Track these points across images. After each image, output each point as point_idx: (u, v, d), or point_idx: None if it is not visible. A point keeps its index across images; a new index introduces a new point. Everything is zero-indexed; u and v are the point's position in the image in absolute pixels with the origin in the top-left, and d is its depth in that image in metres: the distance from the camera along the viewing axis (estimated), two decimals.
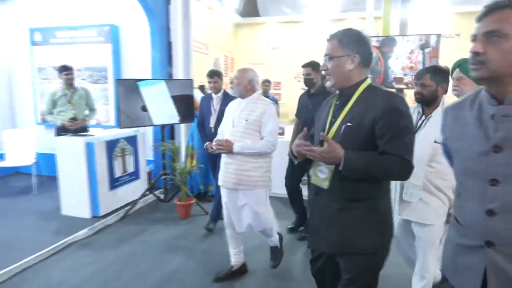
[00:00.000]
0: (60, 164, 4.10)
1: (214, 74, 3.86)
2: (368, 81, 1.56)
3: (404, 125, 1.44)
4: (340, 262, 1.61)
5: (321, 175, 1.55)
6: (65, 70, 4.25)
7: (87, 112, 4.51)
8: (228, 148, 2.59)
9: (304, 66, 3.59)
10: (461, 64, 2.55)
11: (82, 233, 3.65)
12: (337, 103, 1.59)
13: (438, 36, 4.46)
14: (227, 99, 3.66)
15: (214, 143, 2.69)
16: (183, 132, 5.32)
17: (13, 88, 6.02)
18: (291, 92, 7.25)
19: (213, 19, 6.91)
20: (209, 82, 3.88)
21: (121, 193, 4.40)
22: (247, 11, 7.76)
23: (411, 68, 4.72)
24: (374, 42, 4.75)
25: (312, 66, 3.55)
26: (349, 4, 7.45)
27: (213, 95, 3.91)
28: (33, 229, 3.84)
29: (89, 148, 4.00)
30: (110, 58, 5.36)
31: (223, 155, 2.74)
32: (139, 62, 5.34)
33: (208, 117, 3.87)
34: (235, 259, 2.92)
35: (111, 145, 4.24)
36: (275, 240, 3.01)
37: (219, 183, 2.79)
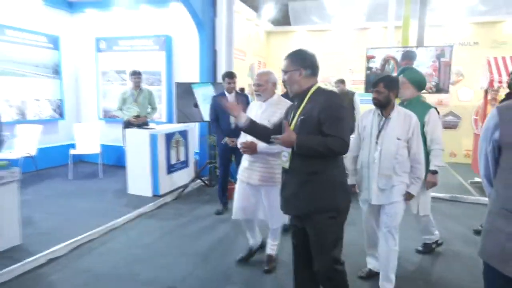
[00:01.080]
0: (129, 151, 4.99)
1: (234, 76, 4.26)
2: (316, 85, 2.05)
3: (340, 114, 1.93)
4: (306, 225, 2.04)
5: (284, 158, 2.05)
6: (134, 74, 5.16)
7: (149, 110, 5.40)
8: (252, 149, 2.74)
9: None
10: (404, 71, 3.12)
11: (147, 207, 4.51)
12: (295, 103, 2.12)
13: (451, 47, 5.07)
14: (240, 97, 4.18)
15: (239, 145, 2.83)
16: None
17: (80, 88, 7.03)
18: None
19: (250, 29, 7.73)
20: (229, 83, 4.22)
21: (175, 177, 5.26)
22: (279, 20, 8.53)
23: (431, 75, 5.34)
24: (393, 53, 5.42)
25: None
26: (372, 14, 8.09)
27: (227, 94, 4.25)
28: (108, 203, 4.74)
29: (153, 139, 4.87)
30: (163, 64, 6.25)
31: (247, 156, 2.90)
32: (188, 67, 6.21)
33: (224, 115, 4.00)
34: (252, 242, 3.23)
35: (169, 137, 5.10)
36: (275, 247, 3.12)
37: (242, 179, 2.96)
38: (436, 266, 3.16)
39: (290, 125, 2.03)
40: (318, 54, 2.13)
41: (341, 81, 6.15)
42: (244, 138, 2.85)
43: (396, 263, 2.62)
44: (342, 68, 8.15)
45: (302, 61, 2.03)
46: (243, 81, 7.03)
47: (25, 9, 5.99)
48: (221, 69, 6.15)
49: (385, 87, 2.52)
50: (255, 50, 8.09)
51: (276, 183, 2.75)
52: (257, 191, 2.93)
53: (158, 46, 6.25)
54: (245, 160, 2.94)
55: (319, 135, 1.91)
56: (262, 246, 3.26)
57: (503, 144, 1.36)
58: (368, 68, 5.67)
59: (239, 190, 3.01)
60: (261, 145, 2.71)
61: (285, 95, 3.91)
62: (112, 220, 3.98)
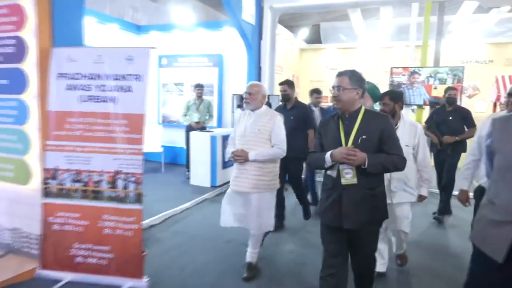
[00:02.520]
0: (192, 150, 6.13)
1: (321, 92, 5.35)
2: (363, 107, 2.18)
3: (396, 135, 2.16)
4: (362, 233, 2.15)
5: (348, 175, 2.08)
6: (198, 86, 6.32)
7: (207, 117, 6.54)
8: (244, 157, 2.86)
9: (281, 83, 4.21)
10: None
11: (209, 194, 5.61)
12: (346, 122, 2.15)
13: (463, 68, 5.99)
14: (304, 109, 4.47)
15: (230, 154, 2.97)
16: None
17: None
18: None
19: (287, 47, 8.83)
20: (317, 98, 5.28)
21: (228, 172, 6.35)
22: (311, 39, 9.60)
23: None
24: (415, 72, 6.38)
25: (288, 84, 4.21)
26: (396, 34, 9.05)
27: (314, 108, 5.12)
28: (177, 191, 5.86)
29: (213, 140, 5.99)
30: (216, 78, 7.41)
31: (238, 163, 2.97)
32: (236, 81, 7.33)
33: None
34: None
35: (224, 139, 6.22)
36: (256, 254, 3.12)
37: (233, 188, 3.01)
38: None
39: (341, 142, 2.13)
40: (345, 68, 2.44)
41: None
42: (234, 147, 3.01)
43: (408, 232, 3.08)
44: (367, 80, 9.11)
45: (361, 83, 2.14)
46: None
47: (104, 33, 7.28)
48: (265, 83, 7.24)
49: (391, 99, 2.82)
50: (290, 65, 9.17)
51: (266, 190, 2.93)
52: (247, 198, 2.97)
53: (211, 63, 7.42)
54: (236, 169, 3.02)
55: (376, 152, 2.09)
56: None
57: (494, 149, 1.65)
58: (392, 83, 6.64)
59: (229, 199, 3.09)
60: (252, 153, 2.86)
61: (285, 109, 4.14)
62: (184, 203, 5.08)
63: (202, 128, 6.39)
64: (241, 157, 2.87)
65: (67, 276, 2.89)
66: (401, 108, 2.87)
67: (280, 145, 2.91)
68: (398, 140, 2.13)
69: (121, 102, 2.89)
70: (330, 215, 2.16)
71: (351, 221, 2.09)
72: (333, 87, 2.14)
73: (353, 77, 2.12)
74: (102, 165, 2.89)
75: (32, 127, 2.96)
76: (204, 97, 6.66)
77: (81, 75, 2.93)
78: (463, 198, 2.85)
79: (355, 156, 2.00)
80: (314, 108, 5.26)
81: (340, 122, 2.16)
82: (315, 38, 9.74)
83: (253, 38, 6.99)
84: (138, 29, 7.98)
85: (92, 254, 2.91)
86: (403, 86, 6.52)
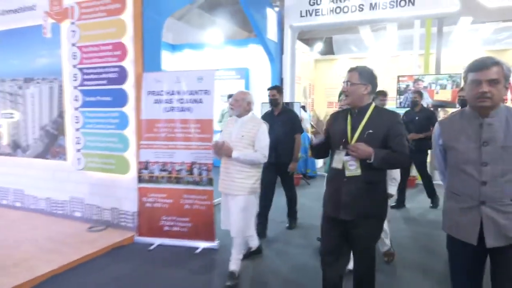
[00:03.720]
0: None
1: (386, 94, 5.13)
2: (374, 104, 2.18)
3: (403, 132, 2.13)
4: (356, 230, 2.13)
5: (352, 167, 2.11)
6: (230, 97, 7.36)
7: None
8: (227, 151, 2.93)
9: (270, 88, 4.28)
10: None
11: None
12: (354, 117, 2.16)
13: (460, 75, 6.90)
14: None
15: (213, 143, 3.11)
16: None
17: None
18: None
19: (303, 59, 9.83)
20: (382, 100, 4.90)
21: None
22: (325, 50, 10.60)
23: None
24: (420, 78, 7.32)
25: (277, 89, 4.28)
26: (402, 45, 9.99)
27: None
28: None
29: None
30: (242, 89, 8.44)
31: (222, 165, 3.08)
32: (261, 92, 8.34)
33: None
34: (252, 242, 3.49)
35: None
36: (239, 261, 3.11)
37: (221, 190, 3.11)
38: None
39: (347, 136, 2.15)
40: None
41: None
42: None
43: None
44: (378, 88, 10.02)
45: (371, 78, 2.14)
46: (299, 100, 9.09)
47: None
48: (287, 92, 8.25)
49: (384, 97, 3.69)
50: (306, 75, 10.16)
51: (249, 193, 3.00)
52: (231, 199, 3.07)
53: (239, 76, 8.47)
54: (221, 171, 3.10)
55: (382, 148, 2.09)
56: (259, 251, 3.59)
57: (446, 147, 1.84)
58: (399, 89, 7.58)
59: (222, 202, 3.22)
60: (236, 152, 2.92)
61: (272, 115, 4.17)
62: None
63: None
64: (224, 150, 2.93)
65: (157, 241, 3.90)
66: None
67: (262, 151, 2.99)
68: (405, 138, 2.13)
69: (195, 111, 3.92)
70: (330, 205, 2.23)
71: (349, 212, 2.11)
72: (343, 82, 2.19)
73: (363, 73, 2.14)
74: (182, 158, 3.91)
75: (130, 131, 4.02)
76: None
77: (164, 92, 3.97)
78: None
79: (358, 150, 2.04)
80: None
81: (349, 117, 2.19)
82: (328, 50, 10.73)
83: (276, 53, 8.03)
84: (173, 47, 9.10)
85: (175, 224, 3.91)
86: (408, 91, 7.45)
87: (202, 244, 3.82)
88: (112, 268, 3.35)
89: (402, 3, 7.09)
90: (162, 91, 3.97)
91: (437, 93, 7.18)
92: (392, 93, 9.12)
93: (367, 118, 2.12)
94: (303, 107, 8.06)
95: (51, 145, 4.55)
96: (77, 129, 4.30)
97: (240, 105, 3.09)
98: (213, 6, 8.72)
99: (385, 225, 3.09)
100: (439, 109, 7.30)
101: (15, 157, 4.86)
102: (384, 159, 2.05)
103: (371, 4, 7.29)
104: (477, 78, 1.66)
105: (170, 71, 5.21)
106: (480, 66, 1.67)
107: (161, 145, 3.95)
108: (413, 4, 7.00)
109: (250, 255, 3.51)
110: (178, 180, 3.91)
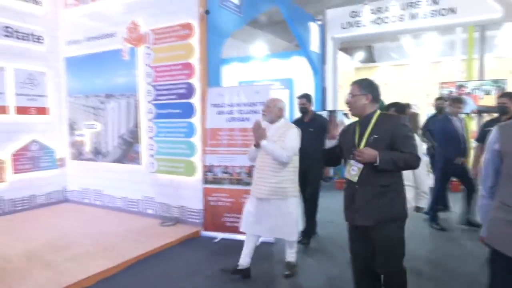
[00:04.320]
0: None
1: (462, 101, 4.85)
2: (379, 111, 2.26)
3: (410, 134, 2.17)
4: (377, 233, 2.16)
5: (352, 172, 2.20)
6: None
7: None
8: (263, 135, 3.04)
9: (300, 97, 4.31)
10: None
11: None
12: (361, 125, 2.26)
13: (506, 80, 6.97)
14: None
15: (253, 124, 3.11)
16: None
17: None
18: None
19: (344, 68, 10.19)
20: (459, 107, 4.66)
21: None
22: (365, 58, 10.89)
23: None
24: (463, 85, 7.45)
25: (307, 97, 4.29)
26: (444, 50, 10.07)
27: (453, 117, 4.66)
28: None
29: None
30: (287, 98, 8.94)
31: (257, 172, 3.19)
32: None
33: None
34: (242, 261, 3.28)
35: None
36: (294, 254, 3.27)
37: (252, 193, 3.21)
38: None
39: (355, 143, 2.24)
40: (397, 83, 3.51)
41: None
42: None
43: None
44: (419, 94, 10.16)
45: (370, 88, 2.25)
46: (341, 108, 9.43)
47: None
48: (329, 101, 8.65)
49: (396, 111, 3.22)
50: (347, 83, 10.48)
51: (285, 196, 3.06)
52: (267, 205, 3.12)
53: (283, 86, 8.98)
54: (255, 177, 3.22)
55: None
56: (247, 275, 3.28)
57: (503, 153, 1.69)
58: (441, 95, 7.74)
59: (248, 204, 3.27)
60: (264, 141, 3.03)
61: (303, 121, 4.21)
62: None
63: None
64: (259, 131, 3.04)
65: (220, 235, 4.45)
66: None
67: (287, 151, 3.03)
68: (412, 139, 2.17)
69: (252, 120, 4.44)
70: (347, 213, 2.31)
71: (365, 218, 2.17)
72: (347, 95, 2.33)
73: (362, 84, 2.27)
74: (241, 162, 4.44)
75: (196, 139, 4.64)
76: None
77: (226, 104, 4.55)
78: None
79: (364, 154, 2.10)
80: (452, 118, 4.64)
81: (357, 127, 2.29)
82: (369, 58, 11.02)
83: (318, 64, 8.47)
84: (222, 61, 9.78)
85: (236, 220, 4.43)
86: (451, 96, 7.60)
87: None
88: (186, 255, 3.94)
89: (443, 11, 7.29)
90: (224, 103, 4.56)
91: (481, 98, 7.27)
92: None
93: (373, 125, 2.21)
94: (346, 115, 8.40)
95: (128, 151, 5.29)
96: (151, 137, 5.00)
97: (271, 111, 3.20)
98: (258, 22, 9.34)
99: None
100: (484, 114, 7.37)
101: (96, 162, 5.67)
102: (392, 160, 2.09)
103: (411, 14, 7.55)
104: None
105: (231, 86, 5.86)
106: None
107: (224, 150, 4.52)
108: (454, 12, 7.19)
109: (237, 273, 3.29)
110: (238, 182, 4.45)
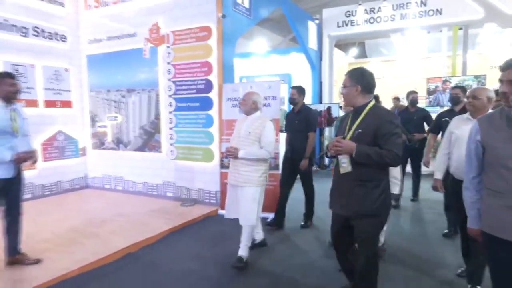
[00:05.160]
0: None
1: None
2: (372, 103, 2.23)
3: (394, 130, 2.13)
4: (355, 224, 2.27)
5: (344, 164, 2.22)
6: None
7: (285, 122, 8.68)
8: (235, 153, 3.21)
9: (292, 88, 4.56)
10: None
11: None
12: (354, 117, 2.26)
13: (485, 76, 7.69)
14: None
15: (225, 149, 3.32)
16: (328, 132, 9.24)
17: None
18: (389, 108, 10.77)
19: (339, 63, 10.83)
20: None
21: None
22: (358, 54, 11.55)
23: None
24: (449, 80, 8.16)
25: (298, 89, 4.48)
26: (431, 47, 10.78)
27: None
28: None
29: None
30: (286, 92, 9.54)
31: (231, 161, 3.37)
32: None
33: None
34: (256, 235, 3.74)
35: None
36: (246, 248, 3.38)
37: (229, 181, 3.42)
38: None
39: (345, 135, 2.24)
40: (388, 78, 3.85)
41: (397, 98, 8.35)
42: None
43: None
44: (407, 88, 10.83)
45: (360, 79, 2.22)
46: (337, 101, 10.09)
47: None
48: (325, 93, 9.29)
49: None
50: (341, 78, 11.13)
51: (254, 184, 3.24)
52: (237, 191, 3.35)
53: (282, 81, 9.57)
54: (230, 165, 3.42)
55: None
56: (263, 244, 3.83)
57: (484, 145, 1.78)
58: (428, 89, 8.44)
59: (228, 192, 3.52)
60: (241, 152, 3.22)
61: (294, 112, 4.52)
62: None
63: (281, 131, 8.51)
64: (232, 153, 3.24)
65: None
66: None
67: (266, 147, 3.26)
68: (397, 136, 2.15)
69: (264, 112, 5.05)
70: (331, 201, 2.40)
71: (344, 208, 2.27)
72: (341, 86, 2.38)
73: (352, 75, 2.26)
74: None
75: (214, 129, 5.24)
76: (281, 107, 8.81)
77: (240, 98, 5.13)
78: (438, 185, 3.11)
79: (341, 145, 2.15)
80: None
81: (349, 118, 2.31)
82: (361, 53, 11.68)
83: (316, 60, 9.10)
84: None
85: None
86: (437, 91, 8.31)
87: (270, 215, 4.96)
88: (207, 229, 4.55)
89: (430, 12, 7.99)
90: (238, 97, 5.14)
91: None
92: (422, 93, 9.94)
93: (361, 118, 2.21)
94: (341, 107, 9.04)
95: (149, 140, 5.86)
96: (171, 128, 5.58)
97: (246, 103, 3.39)
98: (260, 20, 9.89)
99: None
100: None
101: (117, 151, 6.22)
102: (366, 154, 2.11)
103: (401, 14, 8.22)
104: (500, 78, 1.71)
105: (245, 82, 6.46)
106: (504, 66, 1.70)
107: None
108: (440, 13, 7.89)
109: (255, 247, 3.72)
110: None
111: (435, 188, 3.14)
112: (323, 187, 4.83)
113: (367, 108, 2.22)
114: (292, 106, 4.70)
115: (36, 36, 5.77)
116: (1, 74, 3.16)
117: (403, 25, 8.30)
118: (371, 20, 8.53)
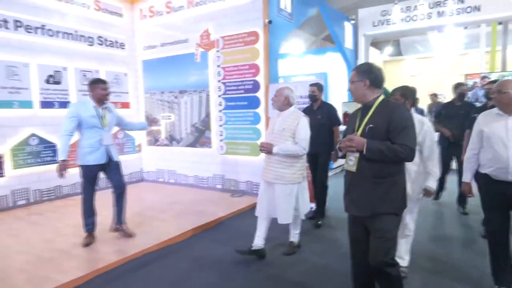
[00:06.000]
0: None
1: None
2: (381, 97, 2.15)
3: (407, 124, 2.05)
4: (371, 224, 2.14)
5: (350, 162, 2.16)
6: None
7: None
8: (269, 149, 3.16)
9: (311, 85, 4.58)
10: None
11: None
12: (363, 112, 2.18)
13: None
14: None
15: (259, 144, 3.24)
16: None
17: None
18: (426, 105, 10.80)
19: (374, 61, 11.02)
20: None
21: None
22: (393, 52, 11.66)
23: None
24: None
25: (317, 86, 4.55)
26: (468, 43, 10.72)
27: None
28: None
29: None
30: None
31: (266, 157, 3.31)
32: (338, 93, 9.72)
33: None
34: (256, 242, 3.44)
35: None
36: (297, 235, 3.47)
37: (261, 177, 3.36)
38: None
39: (354, 130, 2.17)
40: (424, 75, 3.88)
41: (434, 95, 8.61)
42: (265, 140, 3.33)
43: None
44: (445, 85, 10.85)
45: (367, 73, 2.14)
46: None
47: None
48: None
49: (402, 96, 2.87)
50: None
51: (288, 182, 3.19)
52: (272, 188, 3.29)
53: (318, 80, 9.89)
54: (264, 161, 3.37)
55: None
56: (262, 255, 3.46)
57: (484, 134, 2.57)
58: (467, 85, 8.48)
59: (260, 189, 3.45)
60: (275, 147, 3.16)
61: (312, 109, 4.53)
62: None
63: None
64: (265, 148, 3.20)
65: None
66: (412, 105, 2.89)
67: (301, 143, 3.18)
68: (410, 130, 2.06)
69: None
70: (345, 202, 2.28)
71: (359, 208, 2.15)
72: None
73: (359, 70, 2.19)
74: None
75: (261, 126, 5.69)
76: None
77: None
78: (467, 190, 2.86)
79: (353, 142, 2.08)
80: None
81: (358, 114, 2.24)
82: (396, 51, 11.77)
83: (352, 59, 9.35)
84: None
85: None
86: (476, 87, 8.35)
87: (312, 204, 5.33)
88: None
89: (468, 9, 8.05)
90: None
91: None
92: None
93: (371, 113, 2.13)
94: None
95: (200, 137, 6.40)
96: (220, 125, 6.09)
97: (278, 99, 3.31)
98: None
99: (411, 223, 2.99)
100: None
101: (170, 147, 6.81)
102: (379, 150, 2.02)
103: (438, 12, 8.33)
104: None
105: (290, 82, 6.91)
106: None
107: None
108: (478, 9, 7.94)
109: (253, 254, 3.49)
110: None
111: (464, 193, 2.87)
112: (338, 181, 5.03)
113: (377, 102, 2.14)
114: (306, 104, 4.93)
115: (100, 44, 6.46)
116: (95, 80, 3.80)
117: (440, 22, 8.39)
118: (407, 19, 8.67)
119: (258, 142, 5.72)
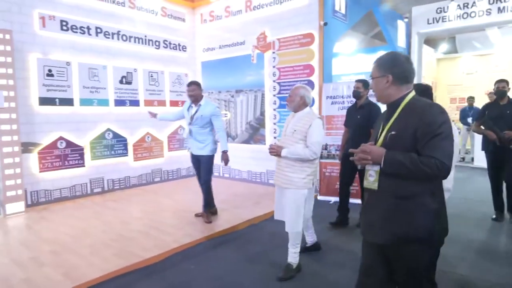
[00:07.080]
0: None
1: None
2: (411, 95, 1.71)
3: (439, 131, 1.57)
4: (397, 253, 1.70)
5: (371, 178, 1.72)
6: None
7: None
8: (277, 151, 3.01)
9: (357, 81, 4.36)
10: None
11: None
12: (386, 117, 1.77)
13: None
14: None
15: (269, 147, 3.09)
16: None
17: None
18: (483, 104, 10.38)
19: (426, 59, 10.77)
20: None
21: None
22: (448, 49, 11.30)
23: None
24: None
25: (363, 82, 4.30)
26: None
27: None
28: None
29: None
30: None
31: (276, 161, 3.14)
32: None
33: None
34: (307, 239, 3.58)
35: None
36: (295, 255, 3.14)
37: (274, 181, 3.24)
38: None
39: (377, 138, 1.79)
40: (481, 73, 3.60)
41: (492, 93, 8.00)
42: (273, 141, 3.63)
43: None
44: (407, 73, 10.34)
45: (391, 66, 1.73)
46: None
47: None
48: None
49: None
50: (429, 73, 11.06)
51: (299, 187, 3.00)
52: (282, 192, 3.16)
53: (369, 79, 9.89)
54: (276, 165, 3.19)
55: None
56: (317, 247, 3.62)
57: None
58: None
59: (275, 193, 3.29)
60: (284, 150, 3.00)
61: (355, 107, 4.34)
62: None
63: None
64: (274, 151, 3.05)
65: (333, 199, 5.70)
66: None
67: (312, 147, 2.95)
68: (444, 138, 1.59)
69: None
70: (362, 224, 1.90)
71: (378, 234, 1.75)
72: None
73: (380, 62, 1.78)
74: None
75: None
76: None
77: (339, 96, 5.75)
78: None
79: (369, 154, 1.69)
80: None
81: (384, 117, 1.84)
82: (452, 48, 11.38)
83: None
84: None
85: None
86: None
87: (333, 199, 5.45)
88: None
89: None
90: (337, 95, 5.77)
91: None
92: None
93: (396, 116, 1.72)
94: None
95: (254, 134, 6.77)
96: (274, 123, 6.40)
97: (293, 100, 3.12)
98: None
99: None
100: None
101: None
102: (400, 163, 1.61)
103: (499, 8, 8.03)
104: None
105: (342, 82, 7.14)
106: None
107: (336, 133, 5.74)
108: None
109: (306, 251, 3.56)
110: None
111: None
112: None
113: (404, 102, 1.72)
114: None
115: (165, 47, 7.03)
116: (189, 83, 4.46)
117: (501, 19, 8.08)
118: (465, 16, 8.43)
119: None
